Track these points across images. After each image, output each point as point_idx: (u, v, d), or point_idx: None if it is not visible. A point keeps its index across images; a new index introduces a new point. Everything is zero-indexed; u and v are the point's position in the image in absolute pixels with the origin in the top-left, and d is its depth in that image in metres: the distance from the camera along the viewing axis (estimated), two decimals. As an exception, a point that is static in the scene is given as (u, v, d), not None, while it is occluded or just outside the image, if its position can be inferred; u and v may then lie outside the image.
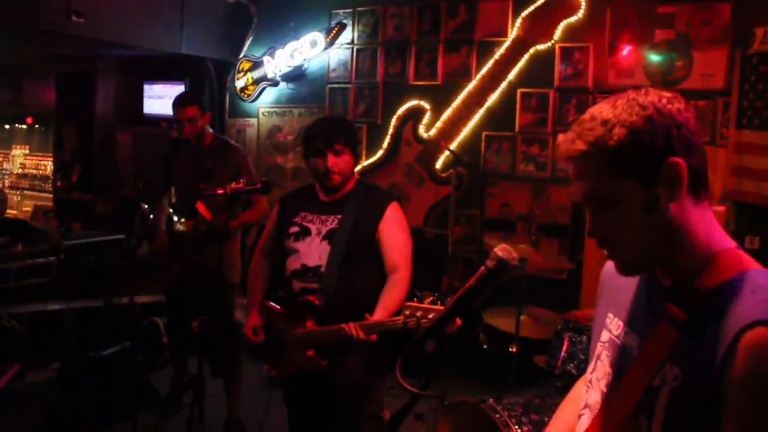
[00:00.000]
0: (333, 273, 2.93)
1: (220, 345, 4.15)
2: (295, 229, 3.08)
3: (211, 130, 4.39)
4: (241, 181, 3.19)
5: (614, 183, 1.21)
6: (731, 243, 1.26)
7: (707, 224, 1.25)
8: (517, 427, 3.16)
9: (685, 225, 1.22)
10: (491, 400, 3.31)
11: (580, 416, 1.43)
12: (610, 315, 1.42)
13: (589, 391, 1.41)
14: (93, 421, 4.30)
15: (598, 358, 1.41)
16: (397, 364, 1.30)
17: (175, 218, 4.39)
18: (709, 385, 1.12)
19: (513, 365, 4.08)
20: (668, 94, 1.23)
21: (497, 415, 3.20)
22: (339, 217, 3.01)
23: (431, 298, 2.65)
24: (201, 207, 3.68)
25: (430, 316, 2.49)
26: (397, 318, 2.62)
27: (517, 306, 4.00)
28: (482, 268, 1.30)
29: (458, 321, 1.31)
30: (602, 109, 1.23)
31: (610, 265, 1.40)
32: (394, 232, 3.01)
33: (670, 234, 1.22)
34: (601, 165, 1.21)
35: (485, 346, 4.43)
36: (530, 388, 3.62)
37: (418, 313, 2.53)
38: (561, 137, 1.27)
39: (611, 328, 1.40)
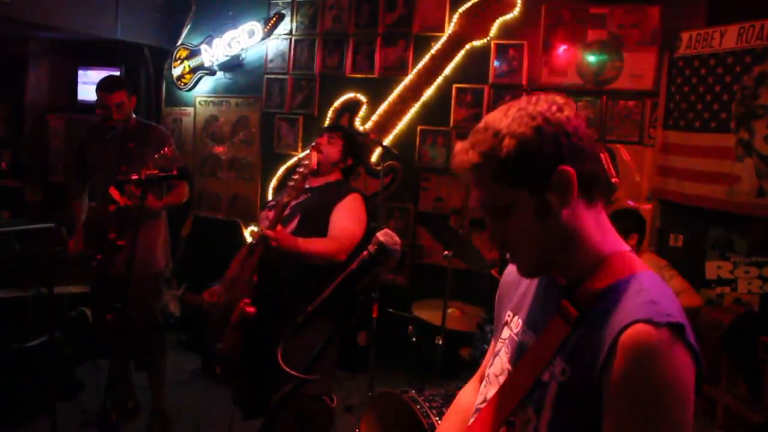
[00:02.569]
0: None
1: (139, 336, 4.05)
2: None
3: (134, 115, 4.28)
4: (156, 168, 3.14)
5: (507, 192, 1.23)
6: (623, 246, 1.29)
7: (600, 227, 1.28)
8: (437, 417, 3.18)
9: (577, 229, 1.25)
10: (413, 391, 3.33)
11: (477, 410, 1.44)
12: (510, 313, 1.45)
13: (487, 386, 1.43)
14: (15, 412, 4.18)
15: (497, 354, 1.44)
16: (279, 349, 1.29)
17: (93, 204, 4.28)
18: (592, 382, 1.15)
19: (439, 357, 4.11)
20: (560, 101, 1.26)
21: (418, 406, 3.22)
22: (309, 195, 3.23)
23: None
24: (114, 192, 3.59)
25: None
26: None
27: (444, 299, 4.03)
28: (365, 252, 1.30)
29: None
30: (495, 119, 1.25)
31: (511, 267, 1.45)
32: (342, 215, 3.15)
33: (563, 238, 1.25)
34: (493, 175, 1.23)
35: (413, 339, 4.45)
36: (454, 380, 3.65)
37: None
38: (458, 146, 1.30)
39: (512, 325, 1.43)
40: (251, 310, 2.96)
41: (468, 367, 3.83)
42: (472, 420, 1.41)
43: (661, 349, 1.11)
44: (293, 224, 3.14)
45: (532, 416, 1.24)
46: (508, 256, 1.32)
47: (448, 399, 3.36)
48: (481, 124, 1.27)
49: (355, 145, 3.45)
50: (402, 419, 3.29)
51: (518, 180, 1.22)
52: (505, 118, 1.23)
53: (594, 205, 1.27)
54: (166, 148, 3.51)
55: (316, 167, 3.20)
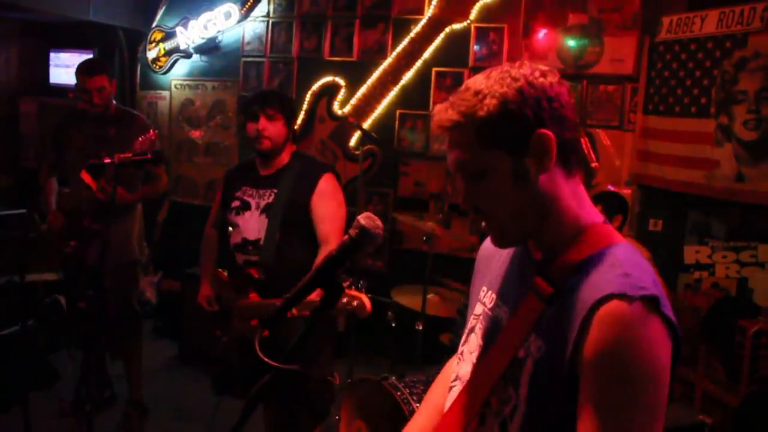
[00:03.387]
0: (270, 246, 3.01)
1: (114, 325, 3.97)
2: (236, 203, 3.17)
3: (113, 101, 4.19)
4: (129, 151, 3.08)
5: (484, 153, 1.21)
6: (600, 218, 1.28)
7: (578, 199, 1.27)
8: (417, 404, 3.16)
9: (554, 197, 1.23)
10: (393, 378, 3.31)
11: (451, 389, 1.43)
12: (484, 288, 1.44)
13: (460, 364, 1.42)
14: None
15: (472, 330, 1.42)
16: (256, 339, 1.26)
17: (66, 190, 4.18)
18: (567, 357, 1.14)
19: (419, 343, 4.09)
20: (543, 68, 1.24)
21: (398, 393, 3.20)
22: (275, 191, 3.08)
23: (349, 281, 2.63)
24: (85, 176, 3.51)
25: (344, 300, 2.52)
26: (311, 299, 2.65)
27: (423, 284, 4.00)
28: (345, 236, 1.26)
29: (319, 292, 1.26)
30: (476, 81, 1.24)
31: (487, 242, 1.44)
32: (325, 204, 3.07)
33: (539, 205, 1.23)
34: (471, 135, 1.21)
35: (393, 324, 4.42)
36: (434, 365, 3.63)
37: (354, 302, 2.58)
38: (437, 107, 1.27)
39: (485, 301, 1.41)
40: (265, 333, 2.90)
41: (448, 353, 3.80)
42: (448, 403, 1.39)
43: (636, 322, 1.09)
44: (261, 222, 3.07)
45: (512, 395, 1.22)
46: (482, 224, 1.30)
47: (429, 384, 3.32)
48: (462, 86, 1.26)
49: (292, 106, 3.26)
50: (382, 406, 3.27)
51: (497, 140, 1.20)
52: (487, 80, 1.22)
53: (572, 175, 1.25)
54: (150, 131, 3.44)
55: (267, 149, 3.10)
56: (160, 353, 5.24)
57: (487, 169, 1.22)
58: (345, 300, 2.56)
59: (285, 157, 3.17)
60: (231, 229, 3.20)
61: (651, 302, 1.11)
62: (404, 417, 3.04)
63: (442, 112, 1.24)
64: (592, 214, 1.27)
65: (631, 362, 1.08)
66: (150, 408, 4.25)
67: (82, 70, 3.97)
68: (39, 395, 4.21)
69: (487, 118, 1.19)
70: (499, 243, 1.32)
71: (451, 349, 3.69)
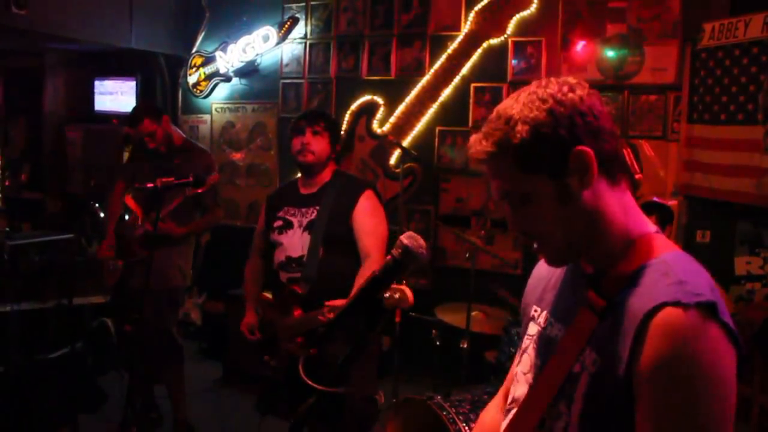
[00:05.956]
0: (312, 262, 3.06)
1: (153, 349, 3.99)
2: (279, 223, 3.23)
3: (180, 133, 4.27)
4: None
5: (525, 179, 1.20)
6: (650, 228, 1.25)
7: (625, 208, 1.24)
8: (464, 424, 3.11)
9: (601, 211, 1.21)
10: (439, 397, 3.27)
11: (508, 411, 1.39)
12: (537, 308, 1.41)
13: (516, 385, 1.39)
14: (38, 424, 4.17)
15: (525, 351, 1.39)
16: (300, 362, 1.24)
17: (127, 216, 4.26)
18: (622, 372, 1.10)
19: (464, 361, 4.04)
20: (572, 82, 1.22)
21: (444, 413, 3.15)
22: (317, 208, 3.14)
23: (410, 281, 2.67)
24: (129, 201, 3.56)
25: (386, 294, 2.52)
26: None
27: (468, 302, 3.96)
28: (389, 257, 1.24)
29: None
30: (506, 107, 1.23)
31: (540, 262, 1.42)
32: (366, 219, 3.12)
33: (587, 221, 1.21)
34: (509, 164, 1.20)
35: (438, 343, 4.38)
36: (480, 384, 3.58)
37: (396, 295, 2.55)
38: (472, 138, 1.27)
39: (539, 321, 1.38)
40: (314, 351, 2.90)
41: (494, 371, 3.75)
42: (504, 424, 1.36)
43: (692, 331, 1.05)
44: (304, 240, 3.11)
45: (564, 411, 1.19)
46: (534, 246, 1.28)
47: (475, 404, 3.29)
48: (494, 114, 1.24)
49: (338, 126, 3.38)
50: (428, 426, 3.23)
51: (535, 165, 1.18)
52: (516, 104, 1.21)
53: (617, 185, 1.23)
54: (216, 174, 3.54)
55: (311, 162, 3.16)
56: (205, 374, 5.27)
57: (531, 194, 1.21)
58: (387, 294, 2.54)
59: (327, 175, 3.23)
60: (275, 249, 3.24)
61: (708, 309, 1.07)
62: (451, 437, 3.00)
63: (477, 144, 1.24)
64: (642, 224, 1.25)
65: (690, 374, 1.04)
66: (196, 429, 4.27)
67: (128, 122, 4.07)
68: (87, 417, 4.27)
69: (521, 145, 1.18)
70: (552, 263, 1.31)
71: (497, 368, 3.65)
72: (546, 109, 1.17)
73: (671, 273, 1.13)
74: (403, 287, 2.54)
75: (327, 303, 2.86)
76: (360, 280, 2.98)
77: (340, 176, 3.27)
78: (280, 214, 3.24)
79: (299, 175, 3.42)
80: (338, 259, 3.10)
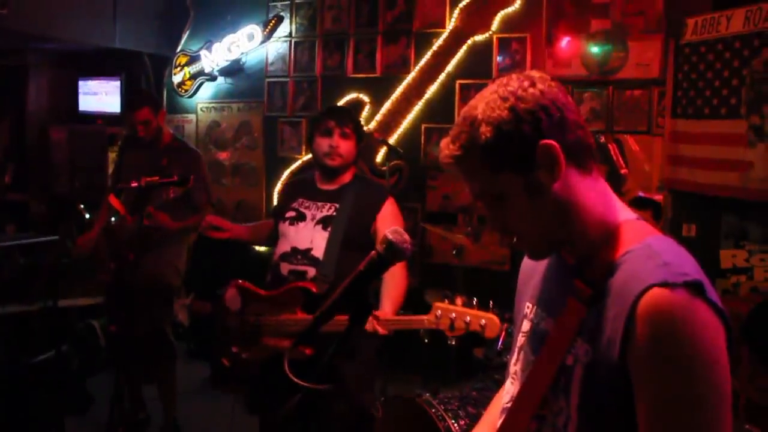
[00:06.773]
0: (332, 260, 2.99)
1: (145, 348, 3.97)
2: (291, 213, 3.18)
3: (170, 130, 4.24)
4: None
5: (495, 178, 1.21)
6: (631, 214, 1.26)
7: (601, 196, 1.25)
8: (453, 420, 3.12)
9: (574, 201, 1.22)
10: (427, 394, 3.27)
11: (504, 409, 1.39)
12: (528, 304, 1.41)
13: (514, 383, 1.39)
14: (24, 427, 4.14)
15: (521, 349, 1.39)
16: (285, 359, 1.23)
17: (113, 218, 4.22)
18: (616, 359, 1.10)
19: (453, 358, 4.04)
20: (534, 76, 1.23)
21: (433, 410, 3.16)
22: (336, 205, 3.10)
23: (463, 299, 2.64)
24: (113, 200, 3.54)
25: (467, 319, 2.51)
26: (424, 317, 2.72)
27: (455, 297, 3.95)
28: (373, 252, 1.23)
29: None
30: (470, 107, 1.24)
31: (526, 259, 1.45)
32: (389, 225, 3.04)
33: (562, 212, 1.22)
34: (477, 164, 1.22)
35: (426, 340, 4.37)
36: (469, 381, 3.58)
37: (452, 315, 2.59)
38: (442, 143, 1.28)
39: (531, 317, 1.39)
40: (309, 351, 2.82)
41: (483, 367, 3.76)
42: (500, 421, 1.36)
43: (681, 310, 1.06)
44: (314, 234, 3.07)
45: (563, 406, 1.20)
46: (514, 242, 1.29)
47: (464, 401, 3.30)
48: (460, 117, 1.25)
49: (361, 125, 3.33)
50: (417, 423, 3.23)
51: (503, 164, 1.20)
52: (479, 105, 1.22)
53: (588, 173, 1.23)
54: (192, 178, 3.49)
55: (337, 165, 3.12)
56: (193, 375, 5.25)
57: (503, 192, 1.22)
58: (469, 320, 2.57)
59: (348, 176, 3.20)
60: (279, 239, 3.18)
61: (695, 288, 1.08)
62: (440, 434, 3.00)
63: (445, 148, 1.26)
64: (621, 210, 1.26)
65: (683, 353, 1.05)
66: (184, 430, 4.25)
67: (127, 103, 4.03)
68: (74, 419, 4.24)
69: (486, 145, 1.19)
70: (534, 257, 1.34)
71: (486, 364, 3.65)
72: (508, 107, 1.19)
73: (656, 256, 1.13)
74: (490, 314, 2.53)
75: (386, 314, 2.85)
76: (394, 285, 2.96)
77: (360, 179, 3.26)
78: (294, 204, 3.20)
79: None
80: (355, 261, 3.04)
